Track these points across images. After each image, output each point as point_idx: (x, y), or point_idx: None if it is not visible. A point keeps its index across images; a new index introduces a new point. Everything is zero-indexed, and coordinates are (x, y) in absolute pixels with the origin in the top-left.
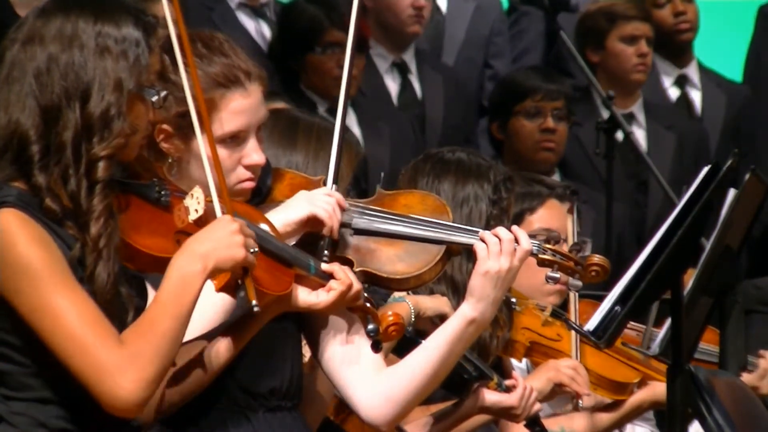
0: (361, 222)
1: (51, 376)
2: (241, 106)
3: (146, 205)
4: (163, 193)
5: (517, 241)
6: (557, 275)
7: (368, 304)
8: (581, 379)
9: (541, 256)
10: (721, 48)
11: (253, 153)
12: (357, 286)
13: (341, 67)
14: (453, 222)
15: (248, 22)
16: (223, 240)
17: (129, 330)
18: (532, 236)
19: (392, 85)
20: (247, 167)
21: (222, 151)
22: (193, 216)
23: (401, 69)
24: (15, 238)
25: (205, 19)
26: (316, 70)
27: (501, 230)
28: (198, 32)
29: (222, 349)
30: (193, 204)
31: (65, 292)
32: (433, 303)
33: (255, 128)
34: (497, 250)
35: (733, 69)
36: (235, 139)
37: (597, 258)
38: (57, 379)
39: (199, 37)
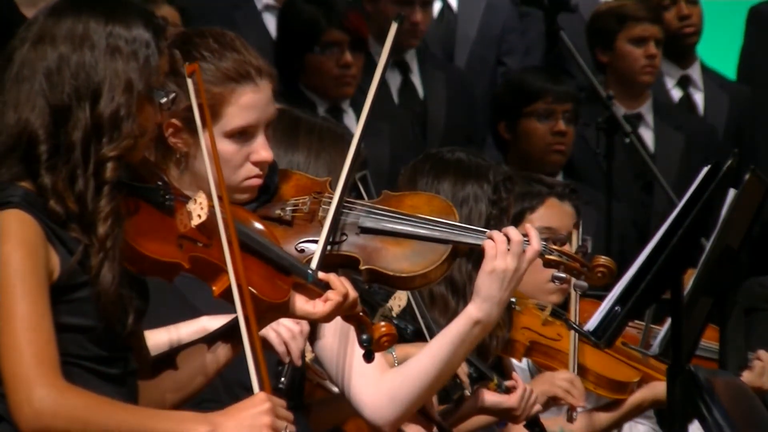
0: (368, 221)
1: None
2: (252, 101)
3: (150, 208)
4: (167, 197)
5: (528, 240)
6: (563, 276)
7: (362, 314)
8: (576, 392)
9: (547, 256)
10: (715, 47)
11: (262, 149)
12: (353, 295)
13: (340, 67)
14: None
15: (273, 25)
16: (247, 419)
17: (94, 394)
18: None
19: (393, 84)
20: (255, 164)
21: (230, 147)
22: (195, 221)
23: (402, 68)
24: (6, 237)
25: (228, 18)
26: (315, 70)
27: (511, 230)
28: (209, 28)
29: (220, 353)
30: (196, 209)
31: (29, 303)
32: None
33: (264, 125)
34: (505, 249)
35: (727, 68)
36: (243, 135)
37: (603, 259)
38: None
39: (210, 33)
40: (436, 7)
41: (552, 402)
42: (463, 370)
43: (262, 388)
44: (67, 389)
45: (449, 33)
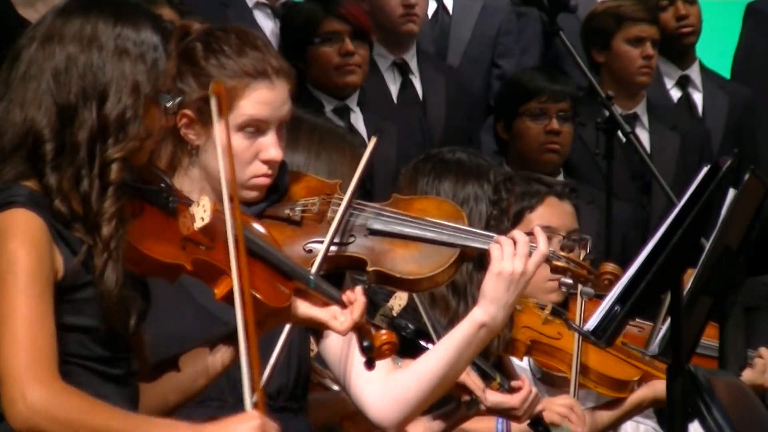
0: (376, 223)
1: None
2: (265, 97)
3: (154, 210)
4: (170, 199)
5: (535, 243)
6: (570, 281)
7: (365, 322)
8: (575, 418)
9: (554, 262)
10: (712, 47)
11: (272, 148)
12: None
13: (342, 55)
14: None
15: (265, 22)
16: None
17: (91, 397)
18: (528, 233)
19: (392, 85)
20: (265, 162)
21: (240, 142)
22: (198, 224)
23: (401, 68)
24: (12, 235)
25: (220, 17)
26: (318, 62)
27: (517, 233)
28: (232, 26)
29: (223, 356)
30: (200, 212)
31: (33, 301)
32: None
33: (276, 124)
34: (512, 252)
35: (725, 68)
36: (253, 129)
37: (610, 267)
38: None
39: (233, 30)
40: (431, 7)
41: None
42: (478, 386)
43: (253, 393)
44: (64, 390)
45: (443, 34)
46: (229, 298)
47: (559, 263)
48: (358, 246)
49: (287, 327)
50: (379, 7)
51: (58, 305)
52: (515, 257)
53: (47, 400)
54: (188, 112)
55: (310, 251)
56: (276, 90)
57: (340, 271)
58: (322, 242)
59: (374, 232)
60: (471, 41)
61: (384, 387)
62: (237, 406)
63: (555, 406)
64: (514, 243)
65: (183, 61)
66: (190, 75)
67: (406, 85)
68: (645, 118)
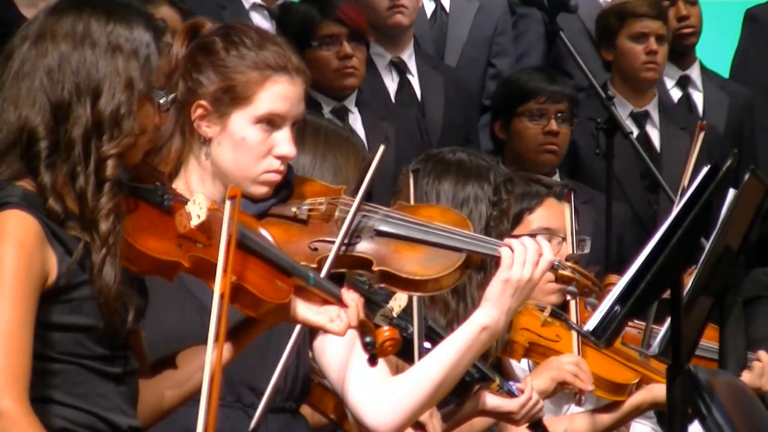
0: (383, 225)
1: (51, 377)
2: (285, 92)
3: (149, 208)
4: (165, 197)
5: (539, 252)
6: (575, 290)
7: (365, 319)
8: (584, 375)
9: (561, 272)
10: (712, 48)
11: (286, 143)
12: (359, 307)
13: (340, 59)
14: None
15: (262, 23)
16: None
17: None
18: (532, 235)
19: (390, 84)
20: (278, 157)
21: (256, 135)
22: (195, 222)
23: (399, 68)
24: (3, 236)
25: (217, 18)
26: (315, 65)
27: (527, 239)
28: (253, 24)
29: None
30: (195, 210)
31: (16, 308)
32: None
33: (292, 121)
34: (522, 259)
35: (724, 69)
36: (270, 124)
37: (615, 278)
38: (57, 380)
39: (253, 27)
40: (429, 8)
41: (560, 387)
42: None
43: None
44: (30, 413)
45: (441, 34)
46: (229, 294)
47: (565, 273)
48: (364, 246)
49: (295, 333)
50: (367, 4)
51: (54, 305)
52: (525, 264)
53: (15, 417)
54: (204, 103)
55: (316, 249)
56: (295, 86)
57: (341, 272)
58: (328, 241)
59: (381, 234)
60: (468, 41)
61: (381, 393)
62: (235, 406)
63: (565, 365)
64: (525, 249)
65: (201, 53)
66: (209, 66)
67: (404, 85)
68: (656, 117)
